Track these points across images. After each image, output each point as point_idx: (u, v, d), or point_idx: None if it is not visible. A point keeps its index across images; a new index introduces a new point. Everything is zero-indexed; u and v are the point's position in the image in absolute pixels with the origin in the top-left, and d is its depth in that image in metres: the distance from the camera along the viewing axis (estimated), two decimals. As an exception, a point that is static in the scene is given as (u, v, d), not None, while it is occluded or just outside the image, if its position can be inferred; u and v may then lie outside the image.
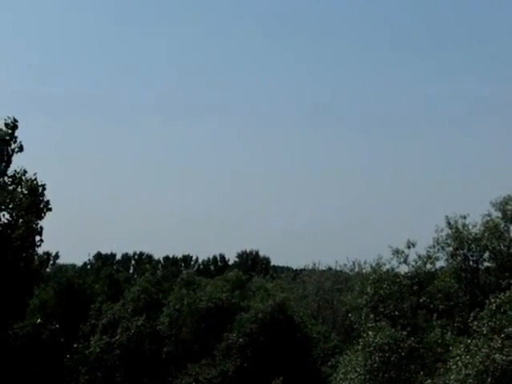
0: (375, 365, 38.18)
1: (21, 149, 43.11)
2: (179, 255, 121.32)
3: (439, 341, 38.97)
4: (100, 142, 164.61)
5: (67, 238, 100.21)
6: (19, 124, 42.50)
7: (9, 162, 43.14)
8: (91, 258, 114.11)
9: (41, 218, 43.63)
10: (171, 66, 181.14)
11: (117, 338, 59.96)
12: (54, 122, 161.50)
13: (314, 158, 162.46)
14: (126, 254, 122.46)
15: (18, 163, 43.68)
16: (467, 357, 34.25)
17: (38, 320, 59.27)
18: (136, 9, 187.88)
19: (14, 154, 43.15)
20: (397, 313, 41.40)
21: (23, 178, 43.03)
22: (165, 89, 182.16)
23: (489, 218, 41.56)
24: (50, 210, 43.87)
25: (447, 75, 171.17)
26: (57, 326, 61.15)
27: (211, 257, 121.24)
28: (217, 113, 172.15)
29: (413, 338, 39.01)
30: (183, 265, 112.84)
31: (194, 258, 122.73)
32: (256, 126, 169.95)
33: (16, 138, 42.66)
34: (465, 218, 41.75)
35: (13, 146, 42.88)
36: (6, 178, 43.05)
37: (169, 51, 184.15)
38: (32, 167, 44.18)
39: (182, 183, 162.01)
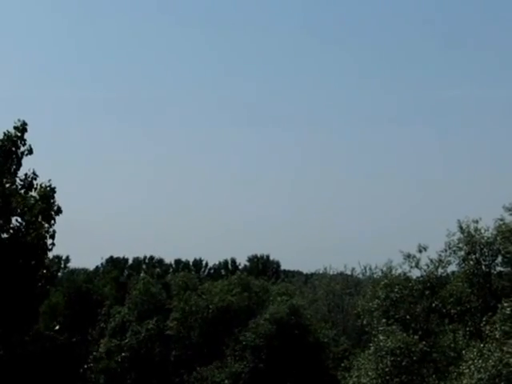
0: (387, 369, 38.05)
1: (30, 151, 42.81)
2: (190, 259, 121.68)
3: (451, 345, 38.81)
4: (108, 145, 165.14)
5: (81, 243, 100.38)
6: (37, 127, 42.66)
7: (19, 165, 42.91)
8: (103, 262, 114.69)
9: (50, 222, 43.45)
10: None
11: (126, 341, 59.97)
12: (61, 125, 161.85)
13: (319, 163, 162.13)
14: (137, 258, 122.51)
15: (28, 166, 43.66)
16: (480, 361, 33.98)
17: (57, 327, 59.03)
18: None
19: (24, 157, 42.95)
20: (408, 317, 41.22)
21: (34, 182, 42.78)
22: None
23: (501, 222, 41.27)
24: (60, 212, 43.58)
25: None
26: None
27: (222, 261, 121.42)
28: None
29: (425, 342, 38.86)
30: (194, 269, 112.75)
31: (204, 262, 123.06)
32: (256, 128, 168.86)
33: (25, 140, 42.39)
34: (477, 222, 41.49)
35: (22, 148, 42.52)
36: (17, 182, 42.86)
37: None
38: (45, 171, 44.24)
39: (189, 186, 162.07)
